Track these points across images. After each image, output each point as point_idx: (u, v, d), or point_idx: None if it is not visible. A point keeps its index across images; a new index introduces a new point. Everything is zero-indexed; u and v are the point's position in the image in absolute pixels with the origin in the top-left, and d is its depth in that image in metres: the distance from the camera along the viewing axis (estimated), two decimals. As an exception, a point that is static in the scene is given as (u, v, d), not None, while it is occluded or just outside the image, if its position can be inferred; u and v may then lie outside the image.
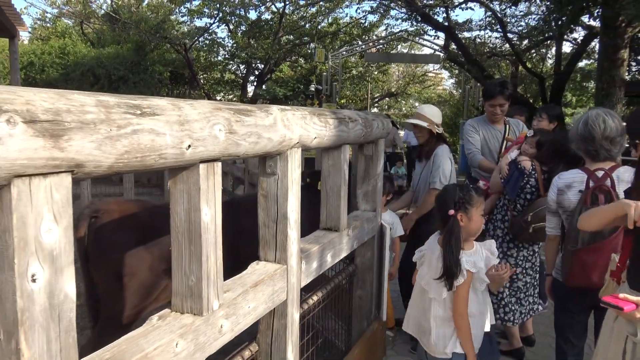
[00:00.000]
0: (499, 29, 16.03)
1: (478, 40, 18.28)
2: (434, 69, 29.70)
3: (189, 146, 1.28)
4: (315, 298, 2.55)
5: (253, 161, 6.00)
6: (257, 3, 20.82)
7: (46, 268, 0.96)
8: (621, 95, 9.84)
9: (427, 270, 2.47)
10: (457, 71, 23.09)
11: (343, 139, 2.41)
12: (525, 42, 16.85)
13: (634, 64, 15.48)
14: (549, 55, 20.17)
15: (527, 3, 14.29)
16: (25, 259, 0.93)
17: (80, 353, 1.08)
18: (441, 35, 17.25)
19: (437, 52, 19.81)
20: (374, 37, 23.29)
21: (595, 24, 11.64)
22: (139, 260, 2.71)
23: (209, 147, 1.36)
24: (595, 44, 14.46)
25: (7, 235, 0.91)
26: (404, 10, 15.62)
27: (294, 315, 2.04)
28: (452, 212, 2.36)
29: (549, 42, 16.45)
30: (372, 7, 19.48)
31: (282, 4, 20.51)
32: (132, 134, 1.08)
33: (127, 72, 18.33)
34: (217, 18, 21.02)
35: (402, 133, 13.06)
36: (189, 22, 22.06)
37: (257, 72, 23.56)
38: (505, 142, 4.01)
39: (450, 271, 2.30)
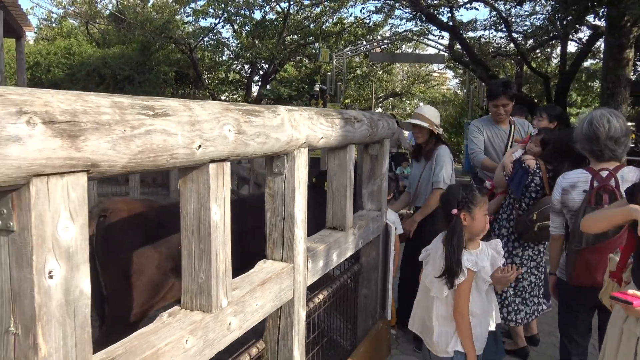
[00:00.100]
0: (503, 29, 16.00)
1: (483, 40, 18.24)
2: (438, 69, 29.64)
3: (200, 146, 1.30)
4: (320, 297, 2.57)
5: (258, 161, 6.03)
6: (261, 3, 20.86)
7: (63, 265, 0.99)
8: (626, 95, 9.81)
9: (431, 268, 2.49)
10: (461, 71, 23.05)
11: (349, 139, 2.43)
12: (530, 41, 16.81)
13: (639, 63, 15.42)
14: (554, 55, 20.13)
15: (532, 3, 14.29)
16: (42, 256, 0.95)
17: None
18: (446, 35, 17.25)
19: (441, 52, 19.80)
20: (379, 37, 23.29)
21: (601, 23, 11.62)
22: (146, 259, 2.74)
23: (219, 147, 1.39)
24: (600, 43, 14.41)
25: (25, 233, 0.93)
26: (408, 10, 15.62)
27: (300, 313, 2.07)
28: (455, 211, 2.39)
29: (554, 41, 16.41)
30: (376, 7, 19.52)
31: (287, 4, 20.55)
32: (145, 135, 1.11)
33: (132, 72, 18.41)
34: (222, 18, 21.08)
35: (406, 133, 13.05)
36: (193, 22, 22.16)
37: (261, 72, 23.61)
38: (510, 142, 4.02)
39: (451, 270, 2.33)
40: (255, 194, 5.70)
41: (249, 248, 2.53)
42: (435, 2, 14.89)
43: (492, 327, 2.57)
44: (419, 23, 16.16)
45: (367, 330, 3.23)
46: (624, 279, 2.09)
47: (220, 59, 23.42)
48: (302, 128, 1.89)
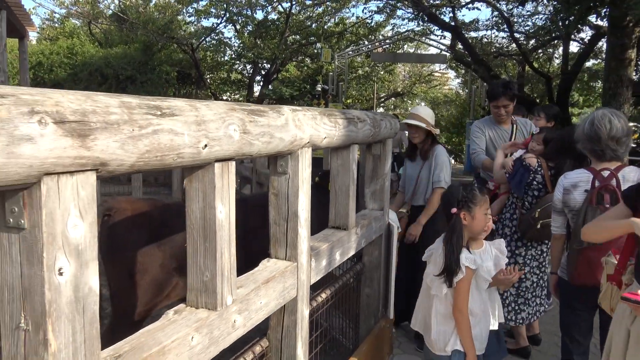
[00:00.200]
0: (505, 29, 15.99)
1: (485, 40, 18.23)
2: (440, 69, 29.65)
3: (206, 145, 1.32)
4: (323, 295, 2.59)
5: (261, 160, 6.05)
6: (263, 3, 20.88)
7: (72, 262, 1.01)
8: (629, 95, 9.80)
9: (432, 267, 2.51)
10: (463, 71, 23.03)
11: (352, 138, 2.45)
12: (532, 41, 16.78)
13: (641, 63, 15.40)
14: (556, 55, 20.08)
15: (534, 3, 14.27)
16: (53, 253, 0.97)
17: None
18: (448, 35, 17.25)
19: (443, 52, 19.79)
20: (381, 37, 23.29)
21: (603, 23, 11.60)
22: (150, 258, 2.76)
23: (224, 146, 1.41)
24: (602, 43, 14.40)
25: (36, 231, 0.95)
26: (410, 10, 15.61)
27: (303, 311, 2.08)
28: (454, 210, 2.41)
29: (556, 41, 16.38)
30: (378, 7, 19.50)
31: (289, 4, 20.56)
32: (153, 134, 1.13)
33: (134, 72, 18.45)
34: (224, 18, 21.10)
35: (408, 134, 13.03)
36: (196, 22, 22.20)
37: (263, 72, 23.63)
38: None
39: (450, 268, 2.35)
40: (258, 193, 5.73)
41: (252, 248, 2.55)
42: (437, 2, 14.89)
43: (495, 327, 2.59)
44: (421, 23, 16.16)
45: (369, 329, 3.25)
46: (624, 282, 2.09)
47: (222, 59, 23.46)
48: (305, 128, 1.91)
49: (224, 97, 24.57)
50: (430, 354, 2.53)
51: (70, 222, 1.00)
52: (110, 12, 22.98)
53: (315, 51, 22.42)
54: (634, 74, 11.36)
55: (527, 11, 15.93)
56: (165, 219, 2.86)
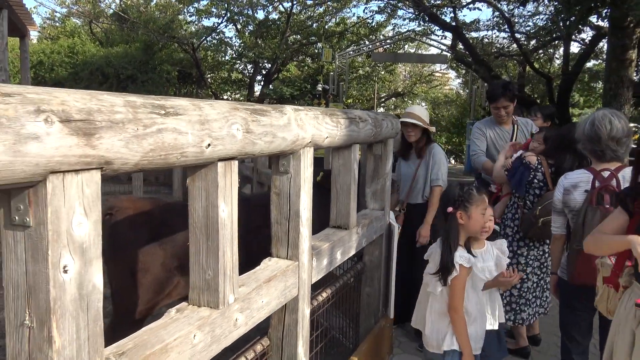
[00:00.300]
0: (506, 29, 16.00)
1: (485, 40, 18.25)
2: (441, 69, 29.67)
3: (209, 145, 1.33)
4: (324, 295, 2.60)
5: (262, 160, 6.05)
6: (264, 3, 20.90)
7: (77, 260, 1.02)
8: (629, 96, 9.82)
9: (432, 265, 2.53)
10: (464, 71, 23.04)
11: (353, 138, 2.45)
12: (533, 42, 16.79)
13: (642, 64, 15.40)
14: (556, 55, 20.09)
15: (535, 3, 14.26)
16: (57, 250, 0.98)
17: None
18: (448, 35, 17.26)
19: (444, 52, 19.81)
20: (381, 36, 23.30)
21: (604, 24, 11.60)
22: (152, 257, 2.76)
23: (227, 145, 1.41)
24: (603, 44, 14.41)
25: (41, 228, 0.96)
26: (411, 10, 15.63)
27: (304, 310, 2.09)
28: (450, 209, 2.43)
29: (556, 42, 16.39)
30: (379, 7, 19.50)
31: (290, 4, 20.57)
32: (157, 133, 1.13)
33: (135, 72, 18.47)
34: (225, 18, 21.12)
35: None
36: (197, 22, 22.20)
37: (264, 72, 23.65)
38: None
39: (445, 266, 2.36)
40: (259, 193, 5.73)
41: (252, 247, 2.56)
42: (438, 2, 14.89)
43: (495, 327, 2.60)
44: (422, 23, 16.17)
45: (369, 328, 3.25)
46: (621, 284, 2.08)
47: (223, 58, 23.47)
48: (308, 127, 1.92)
49: (225, 97, 24.58)
50: (428, 354, 2.54)
51: (75, 220, 1.00)
52: (111, 11, 23.00)
53: (316, 51, 22.45)
54: (635, 74, 11.37)
55: (528, 11, 15.95)
56: (166, 218, 2.87)
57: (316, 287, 2.52)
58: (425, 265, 2.58)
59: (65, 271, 1.00)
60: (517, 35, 15.97)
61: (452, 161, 24.38)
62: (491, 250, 2.50)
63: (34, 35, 20.34)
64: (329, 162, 5.30)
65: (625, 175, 2.51)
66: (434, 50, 22.31)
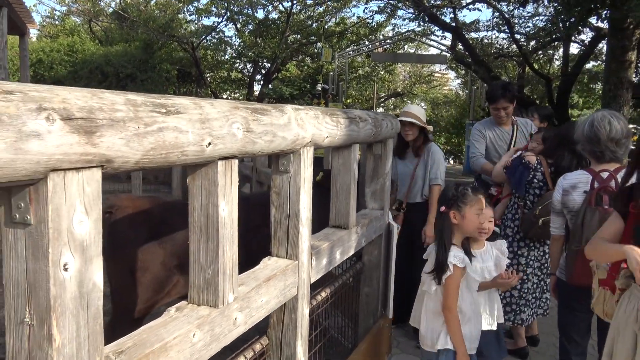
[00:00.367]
0: (506, 30, 16.02)
1: (485, 40, 18.27)
2: (440, 70, 29.70)
3: (209, 143, 1.33)
4: (323, 294, 2.60)
5: (261, 159, 6.05)
6: (264, 2, 20.91)
7: (77, 258, 1.02)
8: (628, 97, 9.83)
9: (429, 265, 2.54)
10: (463, 72, 23.06)
11: (353, 138, 2.46)
12: (533, 43, 16.81)
13: (641, 65, 15.42)
14: (556, 56, 20.12)
15: (535, 4, 14.28)
16: (58, 248, 0.98)
17: None
18: (448, 35, 17.27)
19: (444, 53, 19.83)
20: (381, 37, 23.31)
21: (603, 25, 11.62)
22: (151, 255, 2.76)
23: (228, 144, 1.41)
24: (603, 45, 14.42)
25: (42, 226, 0.96)
26: (411, 10, 15.64)
27: (304, 310, 2.09)
28: (443, 208, 2.44)
29: (556, 43, 16.41)
30: (379, 7, 19.51)
31: (290, 3, 20.58)
32: (158, 132, 1.13)
33: (135, 70, 18.46)
34: (225, 17, 21.13)
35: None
36: (196, 21, 22.21)
37: (263, 71, 23.64)
38: (513, 143, 4.03)
39: (439, 266, 2.37)
40: (259, 192, 5.73)
41: (252, 246, 2.56)
42: (438, 2, 14.90)
43: (494, 327, 2.60)
44: (422, 23, 16.18)
45: (368, 328, 3.26)
46: (618, 286, 2.08)
47: (223, 57, 23.48)
48: (308, 127, 1.92)
49: (224, 96, 24.58)
50: (424, 352, 2.55)
51: (76, 218, 1.00)
52: (110, 10, 22.98)
53: (316, 51, 22.45)
54: (634, 76, 11.38)
55: (528, 12, 15.97)
56: (166, 216, 2.87)
57: (315, 287, 2.52)
58: (424, 265, 2.59)
59: (66, 269, 1.00)
60: (517, 36, 15.99)
61: (451, 162, 24.41)
62: (491, 251, 2.51)
63: (33, 33, 20.30)
64: (329, 162, 5.30)
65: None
66: (433, 51, 22.34)
